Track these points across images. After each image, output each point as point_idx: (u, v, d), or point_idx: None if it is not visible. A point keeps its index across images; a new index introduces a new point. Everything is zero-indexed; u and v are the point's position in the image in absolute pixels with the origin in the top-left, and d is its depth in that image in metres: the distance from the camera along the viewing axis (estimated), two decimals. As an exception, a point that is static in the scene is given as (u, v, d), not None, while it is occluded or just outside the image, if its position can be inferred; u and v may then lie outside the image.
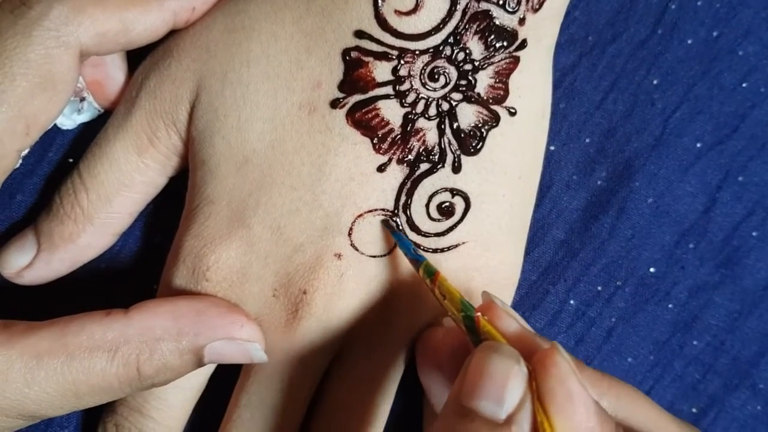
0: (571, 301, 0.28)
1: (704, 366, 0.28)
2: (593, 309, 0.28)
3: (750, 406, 0.28)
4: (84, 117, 0.26)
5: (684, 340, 0.28)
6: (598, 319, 0.28)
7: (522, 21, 0.22)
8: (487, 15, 0.22)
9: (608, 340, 0.28)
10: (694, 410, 0.28)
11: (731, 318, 0.28)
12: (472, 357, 0.18)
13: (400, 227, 0.23)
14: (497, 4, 0.22)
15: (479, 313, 0.19)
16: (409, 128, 0.23)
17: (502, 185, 0.24)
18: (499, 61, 0.23)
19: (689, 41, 0.29)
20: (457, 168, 0.23)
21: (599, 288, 0.28)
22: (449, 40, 0.22)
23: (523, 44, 0.23)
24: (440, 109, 0.23)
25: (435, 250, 0.24)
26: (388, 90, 0.22)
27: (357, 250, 0.23)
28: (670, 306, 0.28)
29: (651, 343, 0.28)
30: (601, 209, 0.28)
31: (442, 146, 0.23)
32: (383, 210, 0.23)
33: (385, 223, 0.23)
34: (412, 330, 0.24)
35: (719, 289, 0.28)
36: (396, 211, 0.23)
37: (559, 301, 0.28)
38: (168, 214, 0.26)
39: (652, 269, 0.28)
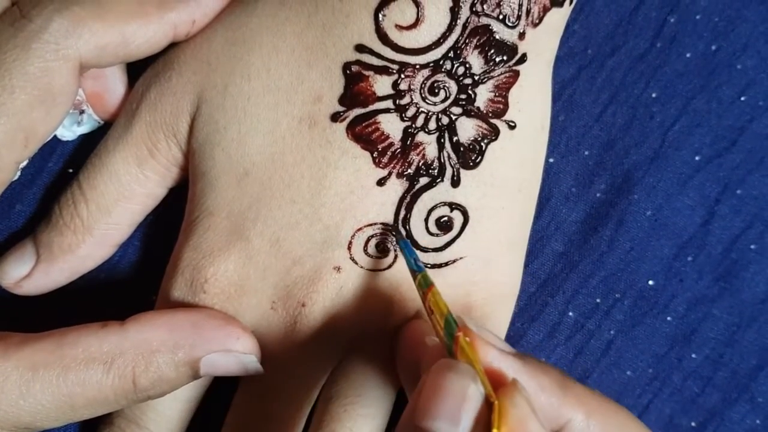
0: (570, 314, 0.28)
1: (703, 379, 0.28)
2: (592, 321, 0.28)
3: (749, 420, 0.28)
4: (84, 129, 0.26)
5: (683, 353, 0.28)
6: (597, 331, 0.28)
7: (522, 35, 0.22)
8: (487, 29, 0.22)
9: (607, 353, 0.28)
10: (693, 424, 0.28)
11: (730, 331, 0.28)
12: (427, 375, 0.17)
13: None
14: (497, 18, 0.22)
15: (460, 333, 0.19)
16: (408, 142, 0.23)
17: (502, 198, 0.24)
18: (498, 75, 0.23)
19: (688, 55, 0.29)
20: (456, 182, 0.23)
21: (598, 300, 0.28)
22: (449, 55, 0.22)
23: (522, 58, 0.23)
24: (440, 123, 0.23)
25: (433, 266, 0.24)
26: (389, 104, 0.22)
27: (356, 263, 0.23)
28: (668, 319, 0.28)
29: (650, 356, 0.28)
30: (599, 221, 0.28)
31: (442, 160, 0.23)
32: (383, 224, 0.23)
33: (394, 227, 0.23)
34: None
35: (718, 302, 0.28)
36: (395, 225, 0.23)
37: (558, 313, 0.28)
38: (167, 226, 0.26)
39: (650, 282, 0.28)
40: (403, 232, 0.23)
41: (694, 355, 0.28)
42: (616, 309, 0.28)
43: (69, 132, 0.26)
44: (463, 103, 0.23)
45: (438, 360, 0.18)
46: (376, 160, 0.23)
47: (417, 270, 0.22)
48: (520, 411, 0.17)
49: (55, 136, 0.26)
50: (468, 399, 0.17)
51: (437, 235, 0.23)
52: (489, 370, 0.19)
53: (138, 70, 0.25)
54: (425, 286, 0.21)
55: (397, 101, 0.22)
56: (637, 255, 0.28)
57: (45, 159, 0.26)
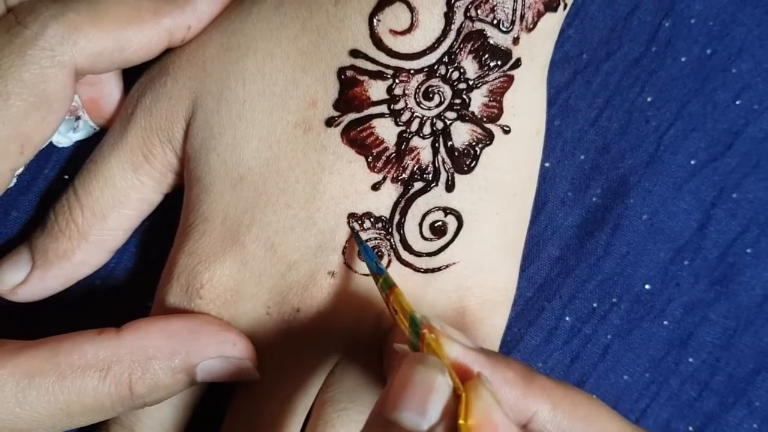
0: (567, 318, 0.28)
1: (700, 384, 0.28)
2: (589, 326, 0.28)
3: (746, 424, 0.28)
4: (80, 135, 0.26)
5: (679, 357, 0.28)
6: (594, 336, 0.28)
7: (516, 40, 0.22)
8: (481, 34, 0.22)
9: (604, 358, 0.28)
10: (690, 429, 0.28)
11: (726, 335, 0.28)
12: (397, 369, 0.18)
13: (394, 246, 0.23)
14: (491, 23, 0.22)
15: (425, 330, 0.19)
16: (403, 147, 0.23)
17: (496, 203, 0.24)
18: (493, 80, 0.23)
19: (683, 59, 0.29)
20: (450, 186, 0.23)
21: (595, 305, 0.28)
22: (444, 60, 0.22)
23: (517, 63, 0.23)
24: (434, 128, 0.23)
25: (426, 270, 0.24)
26: (383, 109, 0.22)
27: (350, 268, 0.23)
28: (665, 323, 0.28)
29: (647, 360, 0.28)
30: (596, 226, 0.28)
31: (436, 165, 0.23)
32: (377, 229, 0.23)
33: (353, 232, 0.23)
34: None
35: (714, 306, 0.28)
36: (390, 230, 0.23)
37: (555, 318, 0.28)
38: (163, 232, 0.26)
39: (647, 286, 0.28)
40: (397, 237, 0.23)
41: (691, 360, 0.28)
42: (612, 313, 0.28)
43: (65, 138, 0.26)
44: (458, 107, 0.23)
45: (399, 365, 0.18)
46: (371, 165, 0.23)
47: (378, 272, 0.21)
48: (485, 403, 0.17)
49: (50, 142, 0.26)
50: (435, 390, 0.17)
51: (431, 239, 0.23)
52: (455, 365, 0.19)
53: (134, 76, 0.25)
54: (387, 288, 0.21)
55: (392, 106, 0.22)
56: (634, 259, 0.28)
57: (41, 166, 0.26)
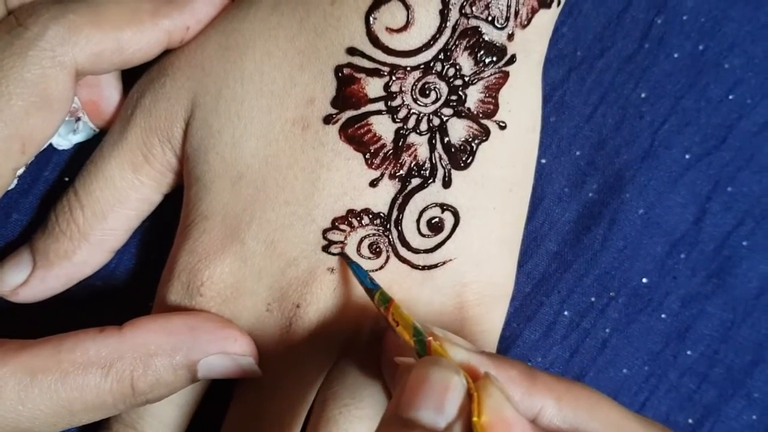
0: (566, 313, 0.28)
1: (699, 376, 0.28)
2: (587, 320, 0.28)
3: (745, 416, 0.28)
4: (79, 137, 0.26)
5: (678, 350, 0.28)
6: (593, 330, 0.28)
7: (511, 37, 0.23)
8: (476, 31, 0.22)
9: (603, 352, 0.28)
10: (690, 421, 0.28)
11: (724, 327, 0.29)
12: (411, 371, 0.18)
13: (392, 243, 0.23)
14: (486, 20, 0.22)
15: (430, 338, 0.19)
16: (400, 143, 0.23)
17: (493, 199, 0.24)
18: (488, 76, 0.23)
19: (676, 55, 0.29)
20: (447, 183, 0.23)
21: (593, 299, 0.28)
22: (440, 56, 0.22)
23: (512, 59, 0.23)
24: (431, 124, 0.23)
25: (424, 267, 0.24)
26: (380, 106, 0.23)
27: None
28: (663, 316, 0.28)
29: (645, 353, 0.28)
30: (592, 221, 0.29)
31: (433, 161, 0.23)
32: (375, 225, 0.23)
33: (341, 255, 0.23)
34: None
35: (711, 299, 0.29)
36: (388, 226, 0.23)
37: (554, 313, 0.28)
38: (164, 232, 0.26)
39: (644, 280, 0.29)
40: (395, 233, 0.23)
41: (689, 352, 0.28)
42: (610, 307, 0.28)
43: (65, 141, 0.26)
44: (454, 104, 0.23)
45: (410, 368, 0.19)
46: (369, 162, 0.23)
47: (373, 288, 0.22)
48: (495, 400, 0.17)
49: (50, 144, 0.26)
50: (452, 389, 0.17)
51: (428, 236, 0.24)
52: (462, 367, 0.19)
53: (133, 78, 0.25)
54: (385, 303, 0.21)
55: (389, 103, 0.23)
56: (631, 253, 0.29)
57: (41, 168, 0.26)
